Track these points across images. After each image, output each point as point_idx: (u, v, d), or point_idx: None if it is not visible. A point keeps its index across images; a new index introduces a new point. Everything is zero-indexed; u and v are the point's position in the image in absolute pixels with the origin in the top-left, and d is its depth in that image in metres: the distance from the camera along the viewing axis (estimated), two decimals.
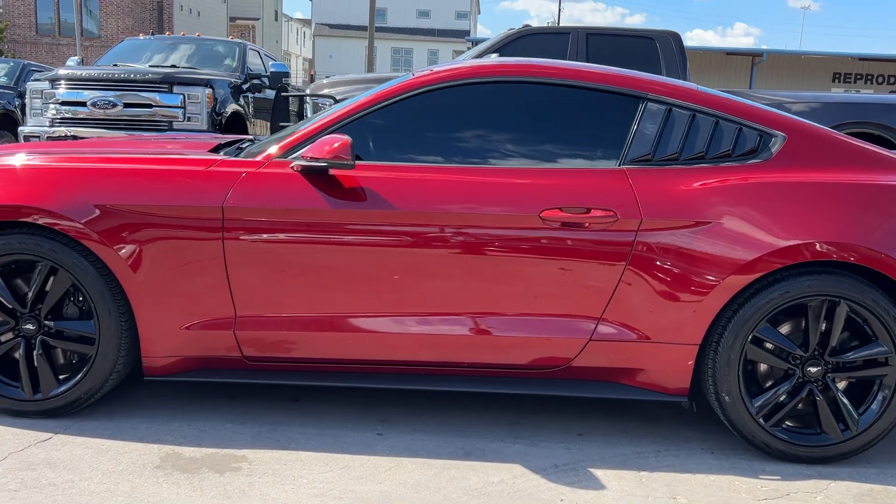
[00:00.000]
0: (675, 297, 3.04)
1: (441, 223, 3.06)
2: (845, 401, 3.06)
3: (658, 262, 3.03)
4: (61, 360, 3.24)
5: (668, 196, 3.07)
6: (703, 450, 3.22)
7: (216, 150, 3.59)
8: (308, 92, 8.82)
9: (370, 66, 25.68)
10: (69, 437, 3.06)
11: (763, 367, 3.15)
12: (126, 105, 8.08)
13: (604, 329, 3.10)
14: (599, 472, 2.98)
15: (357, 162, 3.09)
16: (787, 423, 3.12)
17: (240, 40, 11.00)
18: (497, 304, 3.10)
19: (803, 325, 3.07)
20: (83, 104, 8.09)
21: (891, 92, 26.18)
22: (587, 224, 3.04)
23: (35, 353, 3.15)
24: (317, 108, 8.83)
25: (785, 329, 3.10)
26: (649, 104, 3.22)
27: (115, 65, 9.42)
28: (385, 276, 3.09)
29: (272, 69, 9.68)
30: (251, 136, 4.25)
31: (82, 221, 3.02)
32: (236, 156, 3.34)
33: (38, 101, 8.31)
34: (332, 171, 3.08)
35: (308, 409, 3.43)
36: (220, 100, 8.57)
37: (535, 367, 3.18)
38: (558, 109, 3.29)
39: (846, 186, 3.11)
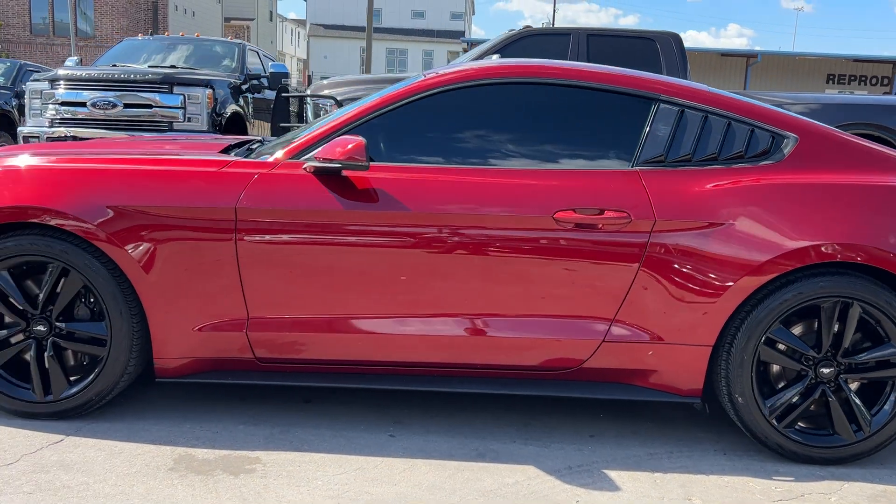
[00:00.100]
0: (688, 299, 3.04)
1: (454, 224, 3.05)
2: (858, 402, 3.06)
3: (672, 264, 3.04)
4: (72, 362, 3.22)
5: (682, 197, 3.07)
6: (715, 451, 3.23)
7: (226, 150, 3.58)
8: (308, 93, 8.80)
9: (368, 67, 25.64)
10: (81, 439, 3.04)
11: (775, 368, 3.15)
12: (126, 105, 8.04)
13: (617, 330, 3.10)
14: (613, 474, 2.98)
15: (370, 163, 3.08)
16: (799, 424, 3.13)
17: (239, 41, 10.97)
18: (511, 305, 3.10)
19: (816, 326, 3.08)
20: (83, 104, 8.05)
21: (884, 93, 26.29)
22: (601, 225, 3.04)
23: (46, 354, 3.13)
24: (317, 109, 8.83)
25: (797, 330, 3.11)
26: (662, 105, 3.23)
27: (114, 65, 9.38)
28: (398, 278, 3.08)
29: (272, 69, 9.65)
30: (260, 138, 4.23)
31: (95, 223, 3.01)
32: (247, 157, 3.33)
33: (38, 101, 8.27)
34: (345, 173, 3.08)
35: (320, 410, 3.42)
36: (220, 100, 8.55)
37: (548, 368, 3.17)
38: (571, 111, 3.29)
39: (858, 188, 3.12)
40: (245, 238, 3.05)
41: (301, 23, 65.66)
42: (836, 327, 3.06)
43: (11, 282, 3.12)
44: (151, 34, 13.64)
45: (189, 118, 8.15)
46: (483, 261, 3.06)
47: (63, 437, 3.05)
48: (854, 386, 3.11)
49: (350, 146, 2.99)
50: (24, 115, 10.93)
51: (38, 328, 3.14)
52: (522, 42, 8.54)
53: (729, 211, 3.03)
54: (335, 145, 3.03)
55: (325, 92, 8.29)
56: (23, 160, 3.25)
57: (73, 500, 2.62)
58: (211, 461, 2.93)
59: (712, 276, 3.01)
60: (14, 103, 11.58)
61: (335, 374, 3.23)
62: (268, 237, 3.06)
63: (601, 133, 3.26)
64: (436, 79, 3.29)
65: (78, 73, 8.28)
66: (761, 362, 3.08)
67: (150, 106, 8.06)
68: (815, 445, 3.10)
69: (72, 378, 3.18)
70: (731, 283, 3.00)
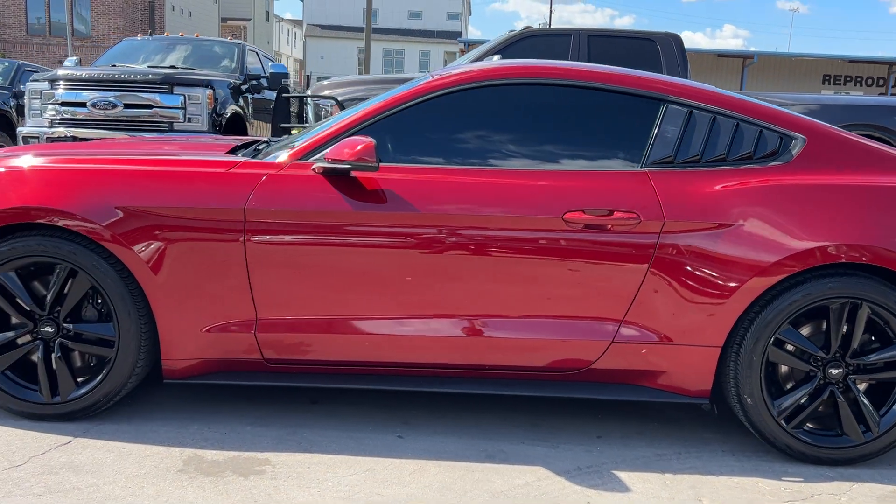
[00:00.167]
0: (697, 300, 3.04)
1: (462, 225, 3.05)
2: (866, 402, 3.07)
3: (681, 265, 3.04)
4: (79, 363, 3.22)
5: (691, 198, 3.07)
6: (723, 451, 3.23)
7: (233, 151, 3.57)
8: (309, 93, 8.79)
9: (367, 68, 25.62)
10: (89, 441, 3.03)
11: (784, 368, 3.15)
12: (126, 106, 8.01)
13: (626, 331, 3.10)
14: (623, 475, 2.98)
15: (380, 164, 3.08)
16: (808, 425, 3.13)
17: (238, 41, 10.96)
18: (520, 306, 3.10)
19: (824, 327, 3.08)
20: (83, 105, 8.02)
21: (879, 94, 26.36)
22: (610, 226, 3.04)
23: (53, 355, 3.12)
24: (318, 110, 8.82)
25: (806, 331, 3.11)
26: (670, 106, 3.23)
27: (114, 65, 9.36)
28: (407, 279, 3.08)
29: (272, 70, 9.63)
30: (266, 139, 4.22)
31: (104, 223, 3.00)
32: (254, 157, 3.32)
33: (37, 101, 8.24)
34: (354, 174, 3.07)
35: (328, 411, 3.42)
36: (220, 101, 8.53)
37: (557, 369, 3.17)
38: (580, 111, 3.29)
39: (866, 189, 3.12)
40: (254, 239, 3.04)
41: (297, 23, 65.64)
42: (844, 328, 3.06)
43: (19, 283, 3.10)
44: (151, 34, 13.60)
45: (189, 119, 8.13)
46: (492, 261, 3.06)
47: (71, 438, 3.04)
48: (862, 386, 3.11)
49: (360, 147, 2.99)
50: (22, 116, 10.93)
51: (46, 329, 3.13)
52: (523, 43, 8.55)
53: (738, 212, 3.04)
54: (344, 146, 3.03)
55: (326, 93, 8.28)
56: (29, 161, 3.24)
57: (83, 501, 2.61)
58: (220, 463, 2.92)
59: (721, 277, 3.01)
60: (12, 103, 11.53)
61: (343, 375, 3.23)
62: (277, 238, 3.06)
63: (610, 134, 3.26)
64: (445, 79, 3.28)
65: (78, 74, 8.26)
66: (770, 363, 3.09)
67: (150, 106, 8.04)
68: (824, 446, 3.10)
69: (79, 379, 3.17)
70: (740, 284, 3.00)
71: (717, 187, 3.09)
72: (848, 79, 27.41)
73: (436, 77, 3.34)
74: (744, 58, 25.91)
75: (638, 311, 3.09)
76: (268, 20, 55.59)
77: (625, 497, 2.82)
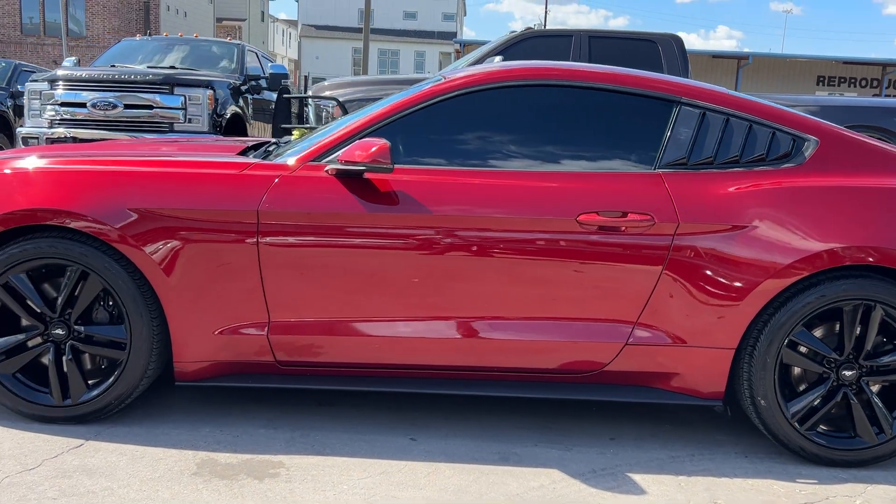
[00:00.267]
0: (711, 302, 3.04)
1: (477, 227, 3.04)
2: (880, 404, 3.07)
3: (695, 267, 3.03)
4: (90, 366, 3.20)
5: (705, 200, 3.07)
6: (737, 453, 3.23)
7: (244, 153, 3.56)
8: (310, 94, 8.77)
9: (365, 68, 25.60)
10: (101, 444, 3.02)
11: (797, 370, 3.15)
12: (126, 106, 7.98)
13: (640, 333, 3.10)
14: (637, 477, 2.98)
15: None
16: (821, 426, 3.13)
17: (238, 41, 10.93)
18: (533, 308, 3.09)
19: (838, 328, 3.09)
20: (83, 105, 7.99)
21: (873, 95, 26.45)
22: (624, 228, 3.04)
23: (65, 358, 3.11)
24: (318, 111, 8.80)
25: (819, 333, 3.11)
26: (683, 108, 3.23)
27: (113, 65, 9.32)
28: (419, 280, 3.07)
29: (272, 70, 9.61)
30: (275, 140, 4.21)
31: (116, 225, 2.98)
32: (266, 159, 3.31)
33: (37, 101, 8.19)
34: (367, 175, 3.06)
35: (339, 413, 3.41)
36: (220, 101, 8.50)
37: (570, 371, 3.17)
38: (594, 113, 3.28)
39: (879, 191, 3.12)
40: (267, 240, 3.03)
41: (292, 23, 65.47)
42: (858, 330, 3.06)
43: (30, 285, 3.09)
44: (149, 34, 13.56)
45: (190, 119, 8.10)
46: (507, 263, 3.05)
47: (83, 441, 3.03)
48: (876, 388, 3.11)
49: (374, 148, 2.98)
50: (20, 116, 10.88)
51: (57, 332, 3.11)
52: (524, 44, 8.54)
53: (752, 214, 3.04)
54: (357, 147, 3.02)
55: (327, 93, 8.26)
56: (37, 163, 3.23)
57: None
58: (234, 465, 2.91)
59: (735, 278, 3.01)
60: (10, 104, 11.48)
61: (356, 377, 3.22)
62: (290, 239, 3.04)
63: (624, 135, 3.26)
64: (458, 81, 3.27)
65: (77, 74, 8.22)
66: (783, 365, 3.09)
67: (150, 107, 8.00)
68: (837, 448, 3.10)
69: (90, 382, 3.15)
70: (754, 286, 3.00)
71: (731, 189, 3.09)
72: (842, 80, 27.51)
73: (447, 79, 3.33)
74: (738, 59, 25.99)
75: (652, 313, 3.08)
76: (263, 20, 55.51)
77: (641, 499, 2.81)
